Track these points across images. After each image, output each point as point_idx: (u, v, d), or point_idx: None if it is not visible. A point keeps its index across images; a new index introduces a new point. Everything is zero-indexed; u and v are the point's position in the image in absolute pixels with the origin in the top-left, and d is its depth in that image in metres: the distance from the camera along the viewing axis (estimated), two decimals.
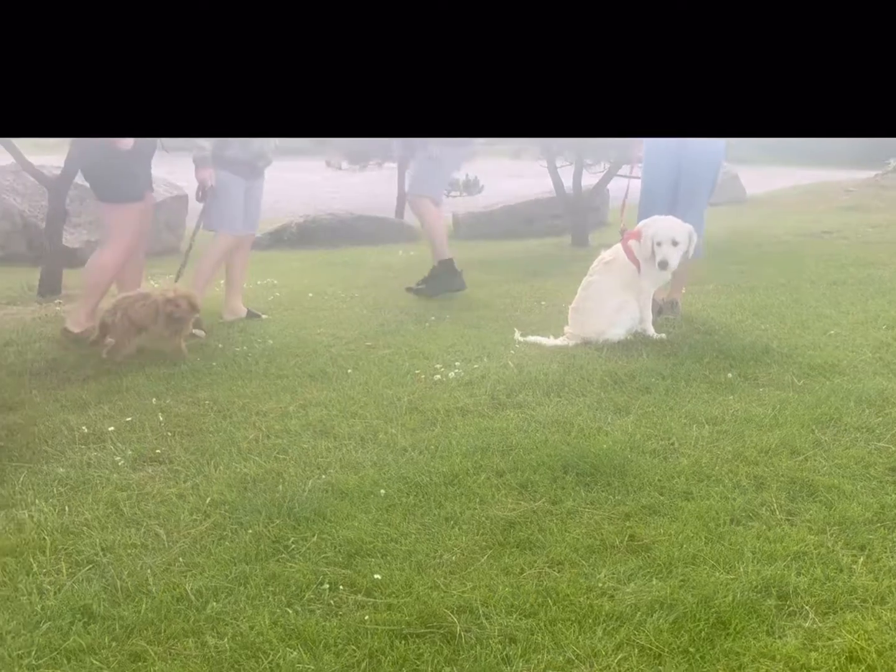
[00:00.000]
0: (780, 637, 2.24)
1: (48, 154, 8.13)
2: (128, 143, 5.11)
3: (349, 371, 4.55)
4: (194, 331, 5.37)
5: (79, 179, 7.00)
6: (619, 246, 5.15)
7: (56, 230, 7.14)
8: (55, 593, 2.49)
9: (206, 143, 5.52)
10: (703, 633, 2.25)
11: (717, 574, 2.52)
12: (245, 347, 5.08)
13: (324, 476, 3.22)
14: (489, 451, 3.40)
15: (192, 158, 5.63)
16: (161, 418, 3.86)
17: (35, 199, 8.84)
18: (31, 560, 2.66)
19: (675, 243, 4.95)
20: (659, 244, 4.94)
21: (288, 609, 2.40)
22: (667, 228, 4.97)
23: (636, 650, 2.20)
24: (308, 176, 17.74)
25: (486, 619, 2.34)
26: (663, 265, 4.95)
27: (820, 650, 2.19)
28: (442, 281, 6.67)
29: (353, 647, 2.23)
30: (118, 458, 3.41)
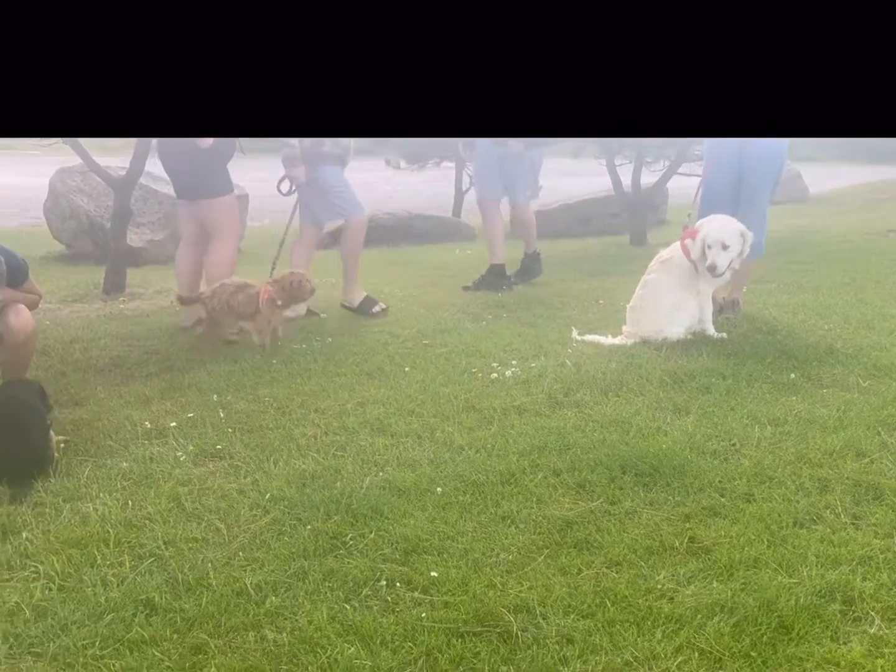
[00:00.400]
0: (844, 643, 2.20)
1: (113, 155, 8.30)
2: (207, 141, 5.34)
3: (406, 369, 4.56)
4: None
5: (142, 179, 7.15)
6: (677, 244, 5.09)
7: (121, 229, 7.28)
8: (118, 585, 2.53)
9: (295, 142, 5.75)
10: (765, 638, 2.21)
11: (780, 578, 2.47)
12: (304, 345, 5.13)
13: (381, 473, 3.24)
14: (546, 449, 3.39)
15: (282, 157, 5.86)
16: (222, 415, 3.91)
17: (101, 199, 9.03)
18: (96, 552, 2.71)
19: (724, 247, 4.85)
20: (709, 247, 4.86)
21: (346, 605, 2.41)
22: (717, 230, 4.88)
23: (696, 653, 2.17)
24: (367, 175, 17.84)
25: (544, 618, 2.32)
26: (711, 269, 4.86)
27: (886, 657, 2.13)
28: (491, 284, 6.95)
29: (410, 645, 2.23)
30: (180, 454, 3.46)
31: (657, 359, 4.54)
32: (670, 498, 2.98)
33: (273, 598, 2.44)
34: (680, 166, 10.69)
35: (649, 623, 2.29)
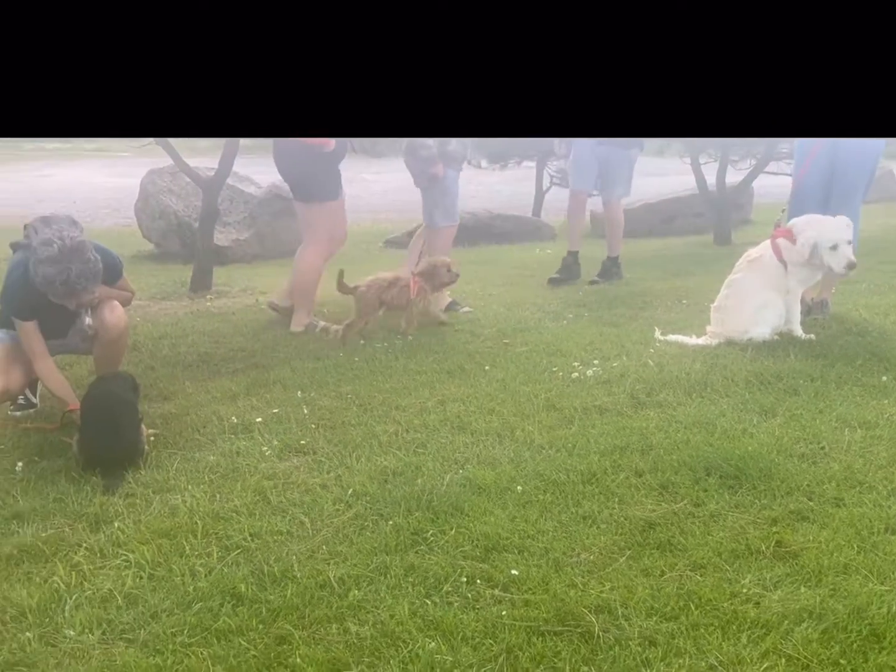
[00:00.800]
0: None
1: (202, 156, 8.50)
2: (330, 143, 5.40)
3: (486, 368, 4.57)
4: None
5: (229, 179, 7.30)
6: (766, 243, 4.97)
7: (208, 229, 7.45)
8: (206, 575, 2.60)
9: (431, 143, 5.87)
10: (854, 646, 2.15)
11: (871, 584, 2.40)
12: (385, 344, 5.18)
13: (461, 471, 3.25)
14: (628, 450, 3.35)
15: (415, 156, 6.02)
16: (306, 411, 3.97)
17: (189, 199, 9.27)
18: (184, 543, 2.79)
19: (848, 242, 4.73)
20: (834, 247, 4.69)
21: (427, 600, 2.43)
22: (834, 230, 4.71)
23: (783, 660, 2.12)
24: None
25: (625, 620, 2.30)
26: (851, 266, 4.73)
27: None
28: (612, 274, 7.28)
29: (491, 642, 2.24)
30: (265, 448, 3.53)
31: (742, 359, 4.46)
32: (756, 501, 2.92)
33: (356, 591, 2.48)
34: (767, 164, 10.46)
35: (734, 627, 2.25)
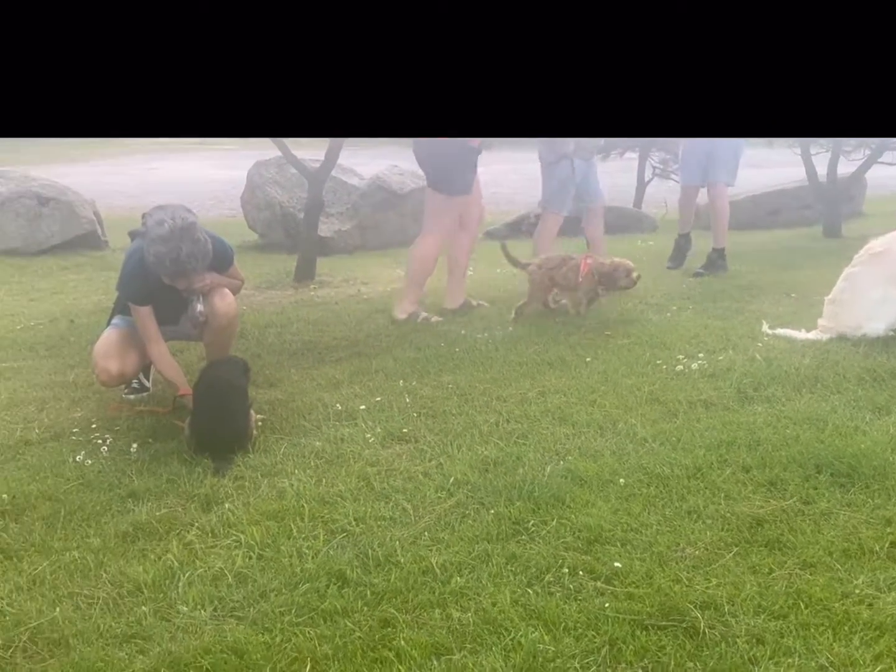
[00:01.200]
0: None
1: (306, 148, 8.63)
2: (475, 141, 5.55)
3: (588, 359, 4.54)
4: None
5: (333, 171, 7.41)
6: (893, 235, 4.77)
7: (313, 220, 7.59)
8: (312, 557, 2.66)
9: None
10: None
11: None
12: (486, 334, 5.19)
13: (562, 462, 3.24)
14: (735, 445, 3.28)
15: (555, 149, 6.32)
16: (408, 399, 4.02)
17: (294, 190, 9.44)
18: (292, 525, 2.86)
19: None
20: None
21: (528, 589, 2.43)
22: None
23: None
24: None
25: (732, 617, 2.26)
26: None
27: None
28: (717, 267, 7.17)
29: (593, 633, 2.23)
30: (369, 436, 3.59)
31: (855, 355, 4.31)
32: (870, 500, 2.83)
33: (458, 578, 2.50)
34: (882, 154, 10.06)
35: (846, 629, 2.19)
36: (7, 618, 2.39)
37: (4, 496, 3.10)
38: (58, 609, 2.42)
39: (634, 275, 5.51)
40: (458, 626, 2.28)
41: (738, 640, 2.17)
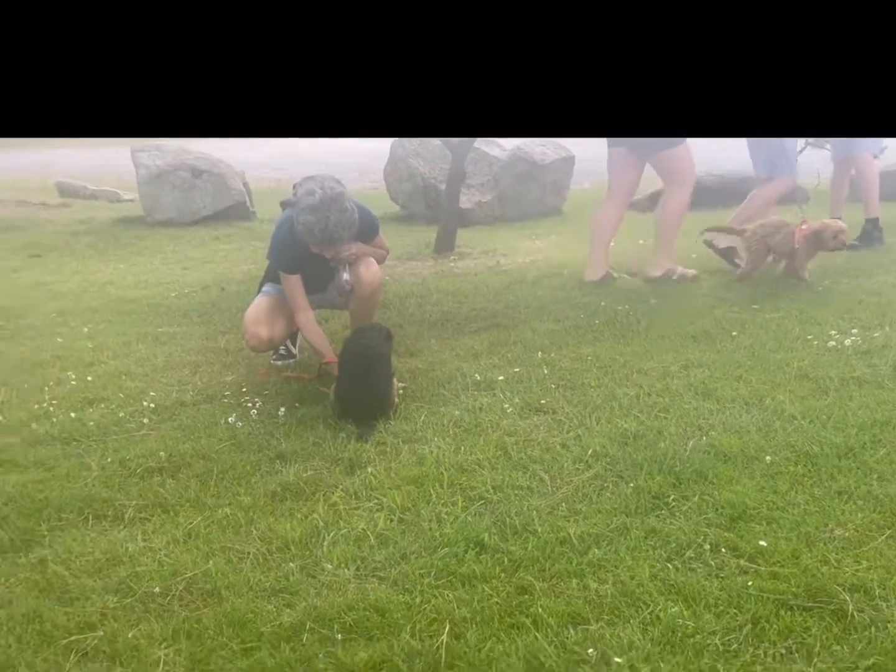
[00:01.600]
0: None
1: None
2: None
3: (734, 334, 4.41)
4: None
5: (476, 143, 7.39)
6: None
7: (455, 191, 7.63)
8: (451, 523, 2.70)
9: None
10: None
11: None
12: (627, 306, 5.11)
13: (705, 438, 3.17)
14: (890, 425, 3.14)
15: None
16: (546, 371, 4.01)
17: (436, 162, 9.51)
18: (431, 491, 2.91)
19: None
20: None
21: (668, 564, 2.40)
22: None
23: None
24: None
25: (883, 601, 2.17)
26: None
27: None
28: (873, 239, 6.84)
29: (735, 611, 2.18)
30: (506, 406, 3.61)
31: None
32: None
33: (595, 549, 2.49)
34: None
35: None
36: (165, 568, 2.53)
37: (162, 454, 3.28)
38: (211, 562, 2.55)
39: (843, 236, 5.38)
40: (595, 597, 2.27)
41: (888, 625, 2.08)
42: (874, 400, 3.39)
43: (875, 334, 4.20)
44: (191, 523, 2.78)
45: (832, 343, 4.10)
